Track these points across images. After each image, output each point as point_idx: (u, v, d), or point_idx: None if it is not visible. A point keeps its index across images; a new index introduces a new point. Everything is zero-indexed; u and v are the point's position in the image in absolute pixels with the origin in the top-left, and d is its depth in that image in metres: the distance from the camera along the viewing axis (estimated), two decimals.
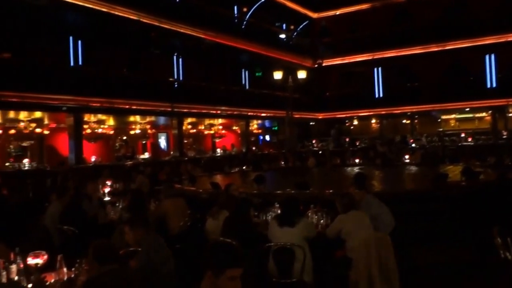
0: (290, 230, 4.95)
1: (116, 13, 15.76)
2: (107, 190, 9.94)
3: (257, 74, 25.96)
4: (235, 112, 21.87)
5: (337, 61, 26.88)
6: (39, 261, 3.68)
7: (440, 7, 23.55)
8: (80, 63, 15.85)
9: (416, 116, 26.03)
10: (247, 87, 24.80)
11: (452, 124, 26.24)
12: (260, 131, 26.88)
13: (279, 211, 6.08)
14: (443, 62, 23.33)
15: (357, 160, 16.62)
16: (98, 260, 3.43)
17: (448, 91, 22.99)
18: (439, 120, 26.37)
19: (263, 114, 24.27)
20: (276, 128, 27.88)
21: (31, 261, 3.67)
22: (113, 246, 3.72)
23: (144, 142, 20.44)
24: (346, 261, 5.00)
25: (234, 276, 2.36)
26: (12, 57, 13.90)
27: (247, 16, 23.45)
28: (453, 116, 25.90)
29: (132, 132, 19.45)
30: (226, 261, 2.38)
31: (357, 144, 24.33)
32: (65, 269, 3.72)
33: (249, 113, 22.90)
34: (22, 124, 14.97)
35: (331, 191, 7.45)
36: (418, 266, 6.06)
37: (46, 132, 16.13)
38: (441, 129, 25.34)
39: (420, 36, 23.64)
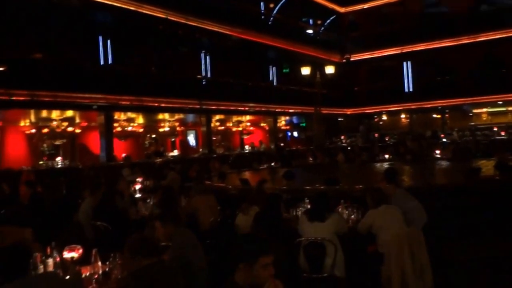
0: (320, 225, 4.93)
1: (144, 11, 15.95)
2: (138, 187, 10.11)
3: (284, 70, 25.88)
4: (262, 109, 21.86)
5: (366, 55, 26.51)
6: (75, 254, 3.77)
7: None
8: (109, 61, 16.14)
9: (447, 110, 25.46)
10: (274, 83, 24.75)
11: (484, 118, 25.53)
12: (288, 127, 26.80)
13: (309, 206, 6.05)
14: (475, 55, 22.70)
15: (386, 156, 16.40)
16: (142, 254, 3.47)
17: (481, 84, 22.37)
18: (470, 114, 25.71)
19: (291, 110, 24.16)
20: (304, 124, 27.75)
21: (67, 255, 3.76)
22: (155, 240, 3.77)
23: (173, 139, 20.67)
24: (377, 256, 4.93)
25: (267, 264, 2.45)
26: (44, 57, 14.27)
27: (274, 12, 23.37)
28: (485, 109, 25.20)
29: (161, 130, 19.69)
30: (258, 250, 2.47)
31: (387, 139, 23.99)
32: (99, 263, 3.79)
33: (277, 110, 22.84)
34: (54, 123, 15.35)
35: (361, 186, 7.38)
36: (451, 261, 5.93)
37: (77, 130, 16.49)
38: (472, 123, 24.71)
39: (451, 28, 23.07)
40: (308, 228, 5.01)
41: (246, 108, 21.03)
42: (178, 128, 20.29)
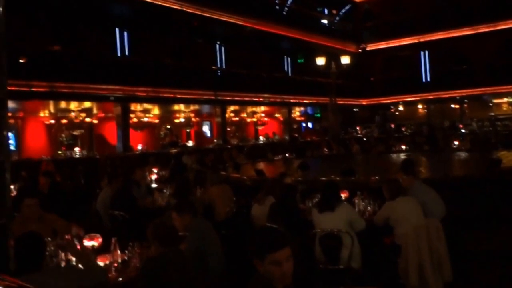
0: (330, 215, 4.91)
1: (160, 3, 16.00)
2: (154, 177, 10.20)
3: (299, 60, 25.74)
4: (277, 100, 21.80)
5: (382, 45, 26.23)
6: (95, 243, 3.83)
7: None
8: (126, 53, 16.23)
9: (466, 101, 25.05)
10: (289, 74, 24.62)
11: (505, 108, 25.05)
12: (302, 118, 26.71)
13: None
14: (494, 43, 22.30)
15: (403, 147, 16.22)
16: (159, 241, 3.50)
17: (500, 73, 21.96)
18: (490, 104, 25.25)
19: (305, 101, 24.07)
20: (319, 115, 27.61)
21: (87, 243, 3.83)
22: (174, 228, 3.79)
23: (188, 130, 20.76)
24: (395, 248, 4.91)
25: (277, 261, 2.26)
26: (63, 49, 14.44)
27: (289, 2, 23.21)
28: (505, 99, 24.72)
29: (176, 121, 19.79)
30: (263, 247, 2.31)
31: (403, 130, 23.74)
32: (118, 252, 3.85)
33: (291, 100, 22.77)
34: (72, 114, 15.53)
35: (377, 178, 7.33)
36: (470, 252, 5.88)
37: (95, 121, 16.69)
38: (492, 114, 24.27)
39: (469, 17, 22.66)
40: (319, 219, 5.00)
41: (261, 99, 20.99)
42: (193, 119, 20.37)
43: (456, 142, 16.75)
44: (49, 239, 3.86)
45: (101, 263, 3.67)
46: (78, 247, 3.71)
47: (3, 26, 1.94)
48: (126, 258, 3.88)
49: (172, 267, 3.35)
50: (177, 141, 18.09)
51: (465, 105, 25.49)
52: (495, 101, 25.04)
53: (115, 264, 3.76)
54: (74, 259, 3.60)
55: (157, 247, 3.49)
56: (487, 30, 22.37)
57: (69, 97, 14.25)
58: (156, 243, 3.50)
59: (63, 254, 3.72)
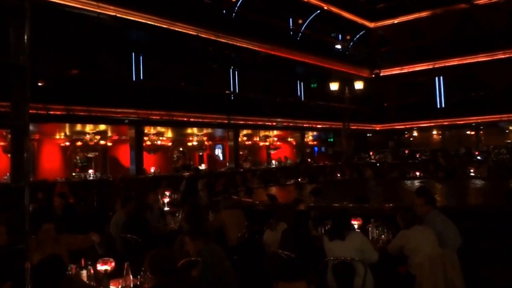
0: (340, 243, 4.84)
1: (176, 29, 16.31)
2: (166, 200, 10.21)
3: (312, 85, 25.87)
4: (290, 124, 21.85)
5: (396, 70, 26.26)
6: (107, 267, 3.84)
7: (506, 12, 22.45)
8: (141, 77, 16.49)
9: (482, 127, 24.80)
10: (302, 98, 24.72)
11: None
12: (315, 142, 26.67)
13: None
14: (510, 69, 22.16)
15: (417, 173, 16.02)
16: (153, 272, 3.46)
17: None
18: (507, 131, 24.99)
19: (318, 126, 24.08)
20: (331, 139, 27.56)
21: (100, 267, 3.83)
22: (171, 257, 3.68)
23: (200, 153, 20.85)
24: (409, 277, 4.82)
25: None
26: (80, 73, 14.74)
27: (302, 28, 23.49)
28: None
29: (189, 144, 19.92)
30: (279, 273, 2.36)
31: (417, 156, 23.51)
32: (131, 276, 3.84)
33: (304, 125, 22.80)
34: (87, 136, 15.75)
35: (391, 205, 7.24)
36: (487, 286, 5.73)
37: (109, 144, 16.87)
38: (509, 141, 23.99)
39: (485, 43, 22.64)
40: (330, 247, 4.94)
41: (274, 123, 21.07)
42: (206, 143, 20.47)
43: (472, 170, 16.51)
44: None
45: None
46: (92, 271, 3.71)
47: (28, 56, 2.00)
48: (138, 283, 3.88)
49: None
50: (190, 164, 18.16)
51: (481, 132, 25.24)
52: None
53: None
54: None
55: (157, 278, 3.46)
56: (503, 56, 22.31)
57: (85, 120, 14.42)
58: (158, 275, 3.46)
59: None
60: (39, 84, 12.69)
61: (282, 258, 4.86)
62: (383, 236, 5.85)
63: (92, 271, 3.80)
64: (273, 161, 22.15)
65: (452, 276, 4.41)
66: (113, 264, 3.88)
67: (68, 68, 14.61)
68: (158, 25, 15.69)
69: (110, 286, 3.64)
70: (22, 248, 1.91)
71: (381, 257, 4.97)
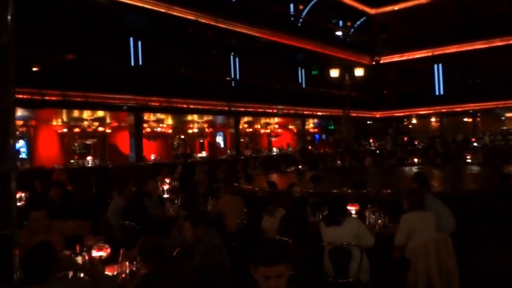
0: (337, 229, 4.86)
1: (174, 13, 16.12)
2: (166, 187, 10.22)
3: (313, 72, 25.77)
4: (291, 111, 21.79)
5: (396, 58, 26.13)
6: (103, 254, 3.84)
7: None
8: (140, 63, 16.39)
9: (479, 114, 24.82)
10: (303, 85, 24.62)
11: None
12: (316, 130, 26.65)
13: None
14: (508, 57, 22.03)
15: (416, 160, 16.10)
16: (144, 259, 3.45)
17: None
18: (503, 118, 24.96)
19: (319, 113, 24.03)
20: (332, 127, 27.55)
21: (95, 253, 3.84)
22: (161, 244, 3.64)
23: (201, 141, 20.84)
24: (404, 262, 4.84)
25: (267, 276, 2.28)
26: (76, 58, 14.60)
27: (303, 14, 23.30)
28: None
29: (190, 131, 19.88)
30: (257, 258, 2.34)
31: (416, 143, 23.55)
32: (127, 263, 3.84)
33: (305, 112, 22.75)
34: (85, 123, 15.70)
35: (389, 191, 7.26)
36: (481, 268, 5.76)
37: (108, 130, 16.83)
38: (505, 128, 24.02)
39: (484, 30, 22.50)
40: (326, 233, 4.96)
41: (275, 111, 21.01)
42: (206, 130, 20.44)
43: (468, 156, 16.58)
44: None
45: (108, 273, 3.67)
46: (87, 257, 3.72)
47: (11, 35, 1.95)
48: (134, 269, 3.88)
49: (167, 283, 3.29)
50: (190, 154, 18.12)
51: (478, 119, 25.24)
52: (508, 115, 24.75)
53: (123, 275, 3.76)
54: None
55: (148, 265, 3.45)
56: (501, 44, 22.20)
57: (82, 106, 14.32)
58: (150, 262, 3.46)
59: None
60: (34, 69, 12.53)
61: (267, 242, 4.88)
62: (379, 221, 5.89)
63: (87, 258, 3.80)
64: (274, 149, 22.16)
65: (446, 260, 4.42)
66: (108, 250, 3.89)
67: (64, 52, 14.44)
68: (156, 8, 15.40)
69: (106, 272, 3.64)
70: (8, 234, 1.89)
71: (377, 241, 4.99)
